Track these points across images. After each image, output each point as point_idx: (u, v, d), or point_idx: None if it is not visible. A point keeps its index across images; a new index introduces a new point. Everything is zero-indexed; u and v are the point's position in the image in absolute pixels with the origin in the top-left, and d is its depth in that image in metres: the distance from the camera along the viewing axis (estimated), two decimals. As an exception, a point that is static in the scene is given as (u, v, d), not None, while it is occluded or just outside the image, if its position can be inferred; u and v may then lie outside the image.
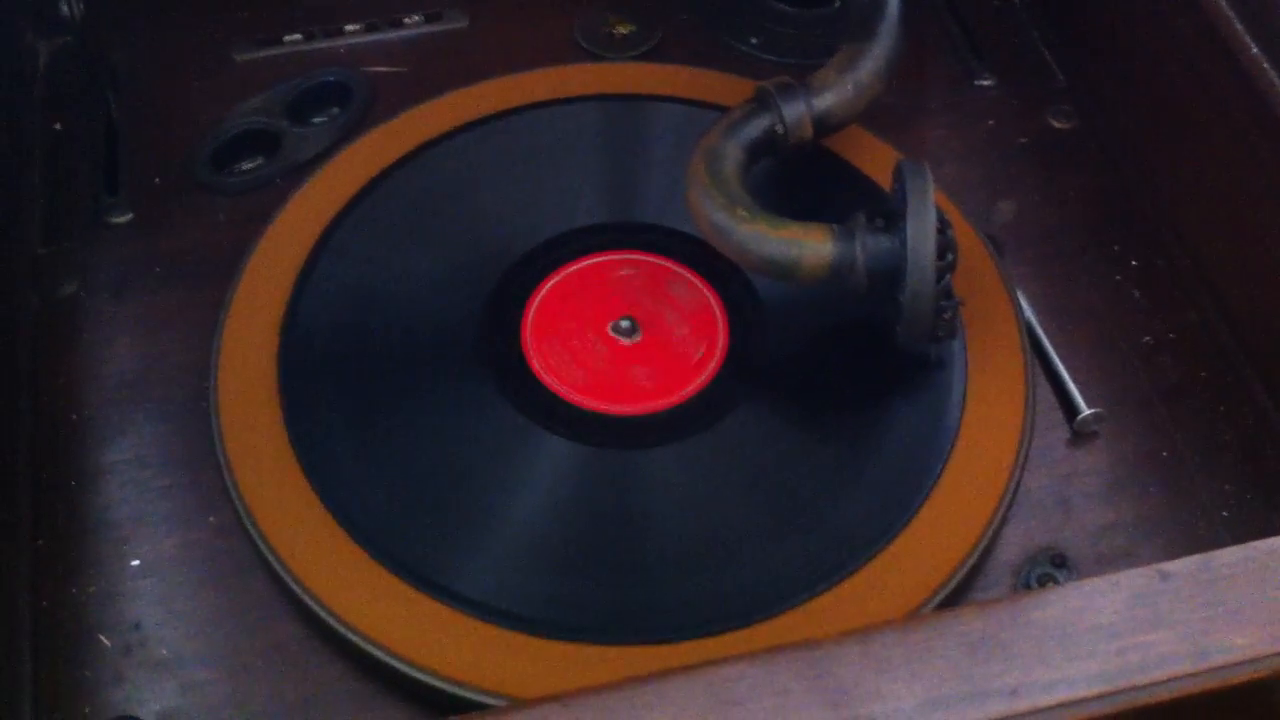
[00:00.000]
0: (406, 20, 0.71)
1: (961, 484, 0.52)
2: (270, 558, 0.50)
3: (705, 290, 0.59)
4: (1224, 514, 0.54)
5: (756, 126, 0.57)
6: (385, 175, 0.62)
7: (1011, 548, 0.53)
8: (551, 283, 0.59)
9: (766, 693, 0.37)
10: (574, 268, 0.59)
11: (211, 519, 0.53)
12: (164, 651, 0.50)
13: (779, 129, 0.57)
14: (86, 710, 0.48)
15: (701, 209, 0.54)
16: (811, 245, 0.52)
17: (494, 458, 0.53)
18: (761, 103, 0.57)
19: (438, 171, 0.62)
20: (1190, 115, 0.61)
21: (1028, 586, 0.52)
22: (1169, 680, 0.37)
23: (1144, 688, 0.37)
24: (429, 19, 0.71)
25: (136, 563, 0.52)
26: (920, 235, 0.51)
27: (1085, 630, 0.38)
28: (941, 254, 0.51)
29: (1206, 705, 0.38)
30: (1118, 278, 0.62)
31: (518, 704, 0.37)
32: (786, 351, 0.57)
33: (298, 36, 0.71)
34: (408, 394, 0.55)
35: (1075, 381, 0.57)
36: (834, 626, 0.47)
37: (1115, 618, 0.38)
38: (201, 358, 0.56)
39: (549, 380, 0.55)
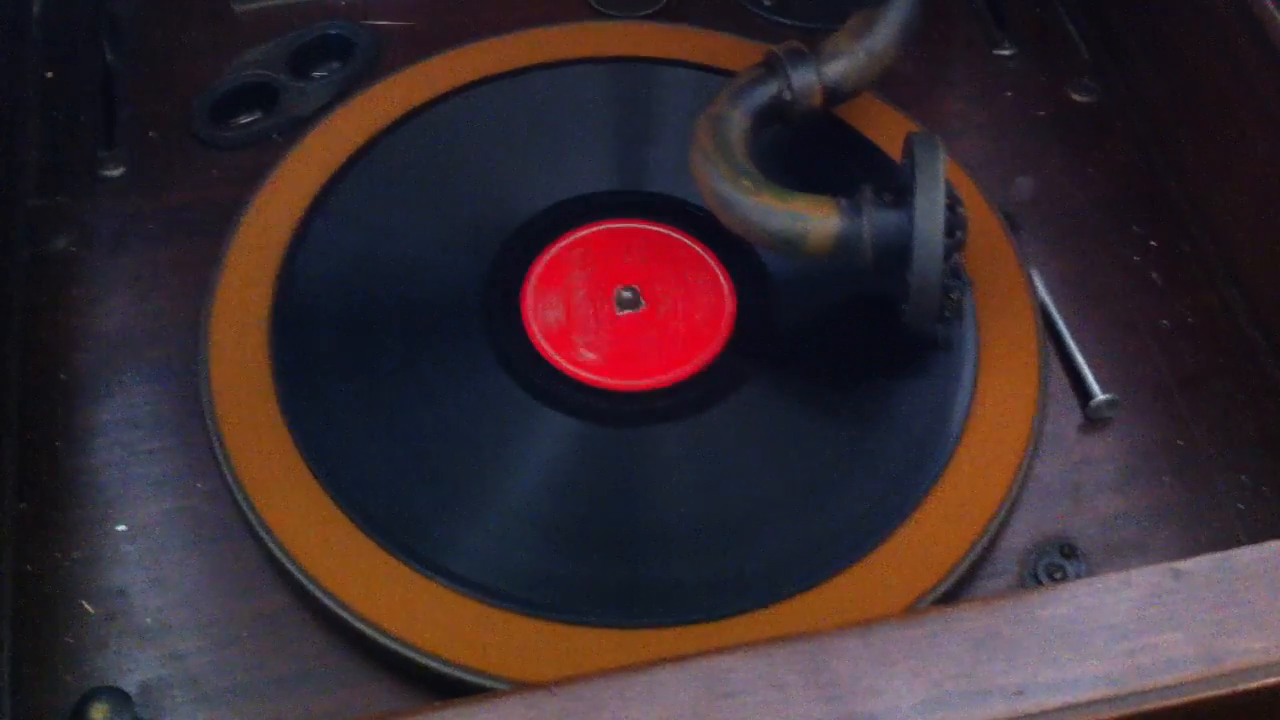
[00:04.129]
0: (413, -26, 0.69)
1: (971, 468, 0.51)
2: (258, 528, 0.49)
3: (713, 263, 0.57)
4: (1239, 506, 0.52)
5: (763, 93, 0.55)
6: (385, 134, 0.60)
7: (1020, 535, 0.51)
8: (554, 251, 0.57)
9: (761, 685, 0.36)
10: (577, 236, 0.58)
11: (200, 485, 0.52)
12: (148, 620, 0.49)
13: (786, 96, 0.55)
14: (67, 678, 0.47)
15: (705, 178, 0.53)
16: (817, 219, 0.51)
17: (490, 431, 0.52)
18: (769, 69, 0.56)
19: (439, 131, 0.61)
20: (1218, 94, 0.59)
21: (1035, 576, 0.50)
22: (1180, 684, 0.36)
23: (1154, 691, 0.36)
24: (437, -27, 0.70)
25: (123, 528, 0.51)
26: (928, 211, 0.49)
27: (1094, 630, 0.37)
28: (950, 231, 0.50)
29: (1218, 711, 0.36)
30: (1137, 259, 0.60)
31: (505, 691, 0.36)
32: (794, 328, 0.56)
33: (300, -13, 0.69)
34: (403, 362, 0.54)
35: (1090, 365, 0.55)
36: (838, 611, 0.47)
37: (1125, 617, 0.37)
38: (196, 316, 0.55)
39: (549, 351, 0.54)
